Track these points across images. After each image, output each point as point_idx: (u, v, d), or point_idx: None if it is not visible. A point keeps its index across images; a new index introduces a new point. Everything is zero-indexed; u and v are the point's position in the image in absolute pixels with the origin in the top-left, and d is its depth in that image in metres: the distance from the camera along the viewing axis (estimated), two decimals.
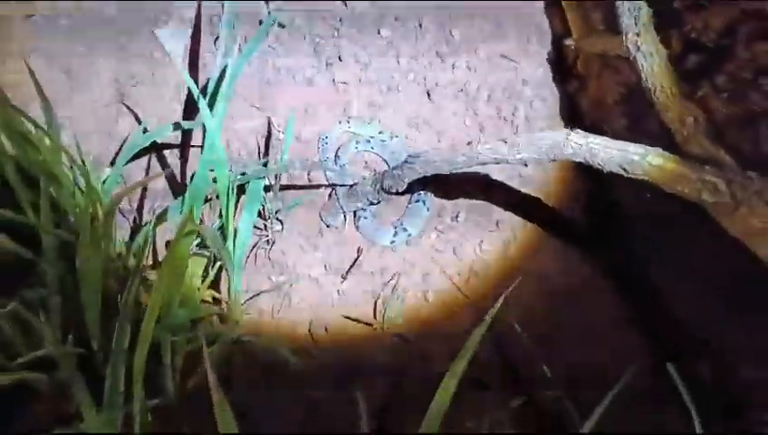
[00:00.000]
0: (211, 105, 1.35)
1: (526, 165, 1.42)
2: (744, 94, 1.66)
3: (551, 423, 1.15)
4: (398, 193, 1.43)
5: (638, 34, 1.20)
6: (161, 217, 1.26)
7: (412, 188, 1.43)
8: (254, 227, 1.44)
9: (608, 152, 1.03)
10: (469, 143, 1.16)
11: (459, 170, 1.25)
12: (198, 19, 1.69)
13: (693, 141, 1.08)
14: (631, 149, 1.02)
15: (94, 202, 1.15)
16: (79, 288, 1.13)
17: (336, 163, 1.55)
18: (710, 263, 1.45)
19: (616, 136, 1.24)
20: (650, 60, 1.17)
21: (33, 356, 1.05)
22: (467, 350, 1.01)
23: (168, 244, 1.43)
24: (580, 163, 1.16)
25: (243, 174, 1.36)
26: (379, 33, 1.72)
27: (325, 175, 1.54)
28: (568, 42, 1.64)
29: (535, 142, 1.08)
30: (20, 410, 1.23)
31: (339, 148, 1.59)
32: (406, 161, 1.29)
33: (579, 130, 1.07)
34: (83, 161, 1.24)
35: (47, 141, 1.18)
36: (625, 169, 1.02)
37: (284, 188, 1.52)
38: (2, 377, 1.12)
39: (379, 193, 1.44)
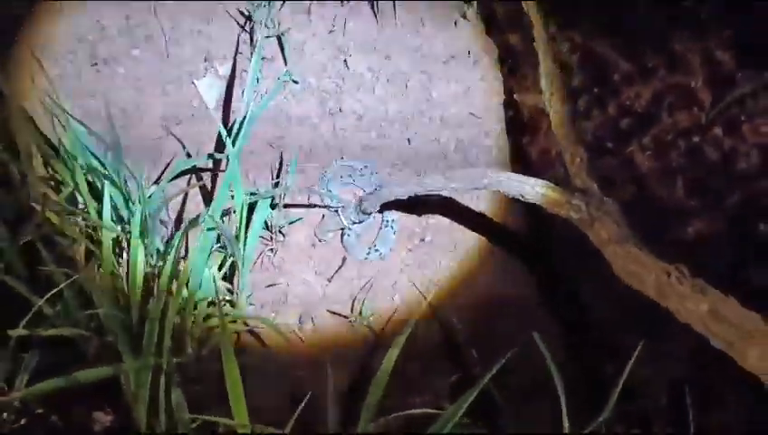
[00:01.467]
0: (235, 141, 1.76)
1: (457, 190, 1.79)
2: (664, 152, 2.04)
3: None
4: (372, 213, 1.83)
5: (551, 94, 1.58)
6: (193, 222, 1.63)
7: (386, 211, 1.83)
8: (262, 238, 1.84)
9: (510, 184, 1.40)
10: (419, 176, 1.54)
11: (414, 194, 1.64)
12: (233, 75, 2.11)
13: (577, 175, 1.44)
14: (525, 181, 1.39)
15: (144, 208, 1.56)
16: (128, 272, 1.53)
17: (330, 191, 1.94)
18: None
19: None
20: (557, 115, 1.54)
21: (92, 312, 1.43)
22: (408, 328, 1.37)
23: None
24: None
25: (254, 193, 1.76)
26: (373, 91, 2.14)
27: (321, 199, 1.94)
28: (515, 96, 2.05)
29: (464, 176, 1.46)
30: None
31: (332, 179, 1.98)
32: (376, 189, 1.68)
33: (494, 169, 1.46)
34: (138, 178, 1.64)
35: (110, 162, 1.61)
36: (522, 196, 1.39)
37: (288, 206, 1.92)
38: (63, 330, 1.50)
39: (359, 214, 1.83)
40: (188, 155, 1.97)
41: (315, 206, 1.94)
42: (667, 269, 1.17)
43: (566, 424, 1.30)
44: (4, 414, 1.54)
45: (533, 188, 1.38)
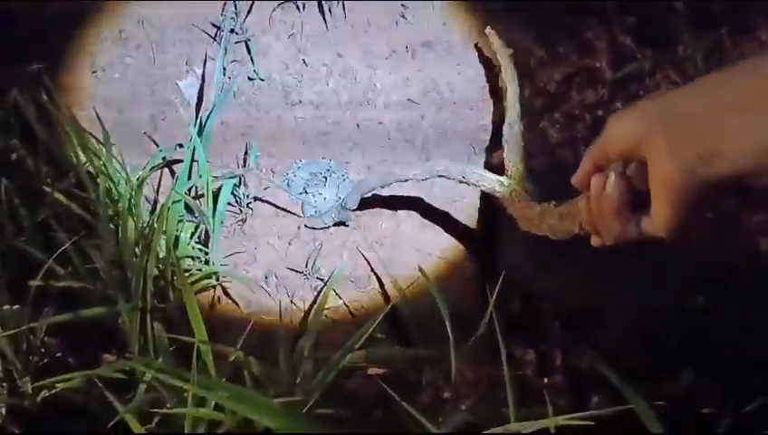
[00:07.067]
0: (202, 130, 2.15)
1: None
2: (572, 125, 2.39)
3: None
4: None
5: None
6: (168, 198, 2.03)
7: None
8: (232, 212, 2.24)
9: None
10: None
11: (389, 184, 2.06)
12: (204, 76, 2.50)
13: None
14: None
15: (131, 188, 1.97)
16: (119, 238, 1.94)
17: (291, 187, 2.32)
18: None
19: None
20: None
21: (93, 266, 1.85)
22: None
23: None
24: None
25: (217, 177, 2.16)
26: (327, 84, 2.51)
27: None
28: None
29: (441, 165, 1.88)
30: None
31: (294, 178, 2.35)
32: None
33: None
34: (125, 165, 2.06)
35: (104, 153, 2.02)
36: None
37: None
38: (69, 282, 1.91)
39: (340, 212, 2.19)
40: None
41: (279, 186, 2.33)
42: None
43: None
44: (31, 356, 1.95)
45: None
